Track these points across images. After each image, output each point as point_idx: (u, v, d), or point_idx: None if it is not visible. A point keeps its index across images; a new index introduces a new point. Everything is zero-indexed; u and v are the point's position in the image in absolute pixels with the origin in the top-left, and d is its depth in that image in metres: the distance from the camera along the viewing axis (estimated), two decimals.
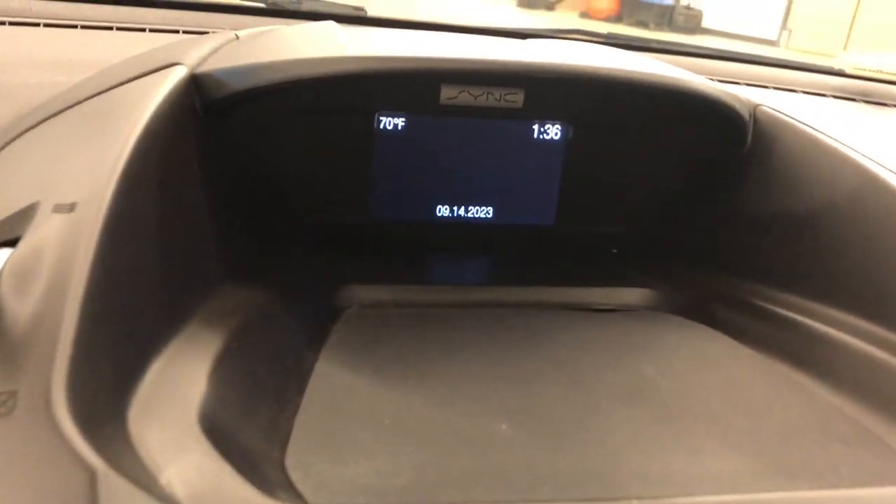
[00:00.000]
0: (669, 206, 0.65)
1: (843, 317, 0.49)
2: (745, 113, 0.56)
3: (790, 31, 6.84)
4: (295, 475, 0.33)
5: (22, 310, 0.31)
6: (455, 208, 0.63)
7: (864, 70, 1.05)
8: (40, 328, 0.30)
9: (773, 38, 6.83)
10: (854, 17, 6.01)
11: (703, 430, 0.40)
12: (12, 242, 0.34)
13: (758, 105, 0.58)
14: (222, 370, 0.36)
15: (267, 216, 0.59)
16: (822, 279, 0.51)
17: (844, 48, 5.68)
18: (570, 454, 0.37)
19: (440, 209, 0.63)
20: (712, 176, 0.61)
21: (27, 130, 0.46)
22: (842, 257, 0.50)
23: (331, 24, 0.62)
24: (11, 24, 0.73)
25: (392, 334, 0.49)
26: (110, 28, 0.76)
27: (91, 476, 0.26)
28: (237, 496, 0.28)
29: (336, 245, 0.61)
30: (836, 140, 0.53)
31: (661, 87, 0.53)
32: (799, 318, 0.50)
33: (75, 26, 0.75)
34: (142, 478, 0.27)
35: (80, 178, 0.37)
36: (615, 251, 0.67)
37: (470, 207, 0.63)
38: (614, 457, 0.37)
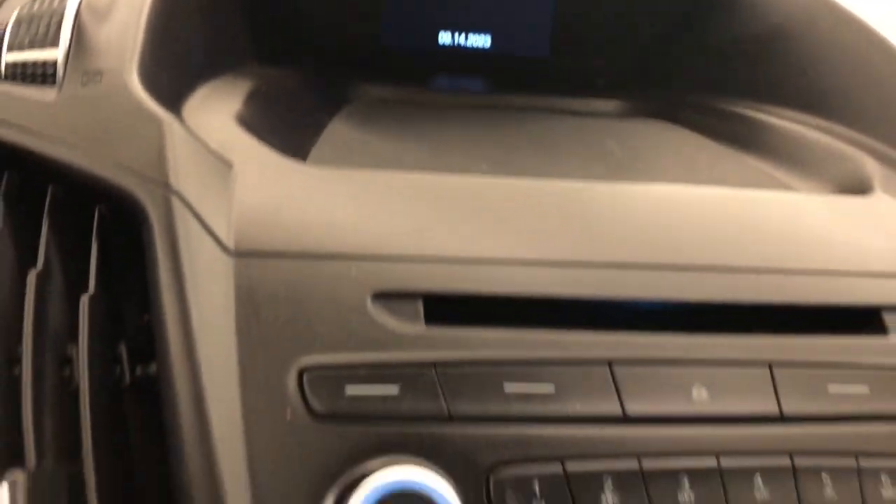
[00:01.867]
0: (653, 37, 0.71)
1: (790, 113, 0.56)
2: None
3: None
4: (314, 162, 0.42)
5: (102, 29, 0.40)
6: (455, 35, 0.70)
7: None
8: (118, 34, 0.39)
9: None
10: None
11: (645, 173, 0.49)
12: None
13: None
14: (253, 102, 0.45)
15: (279, 33, 0.66)
16: (777, 86, 0.58)
17: None
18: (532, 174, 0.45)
19: (442, 36, 0.70)
20: (694, 6, 0.67)
21: None
22: (793, 68, 0.57)
23: None
24: None
25: (396, 117, 0.57)
26: None
27: (159, 124, 0.35)
28: (271, 157, 0.37)
29: (345, 60, 0.69)
30: None
31: None
32: (750, 113, 0.58)
33: None
34: (196, 136, 0.36)
35: None
36: (601, 81, 0.74)
37: (469, 35, 0.70)
38: (567, 176, 0.45)
